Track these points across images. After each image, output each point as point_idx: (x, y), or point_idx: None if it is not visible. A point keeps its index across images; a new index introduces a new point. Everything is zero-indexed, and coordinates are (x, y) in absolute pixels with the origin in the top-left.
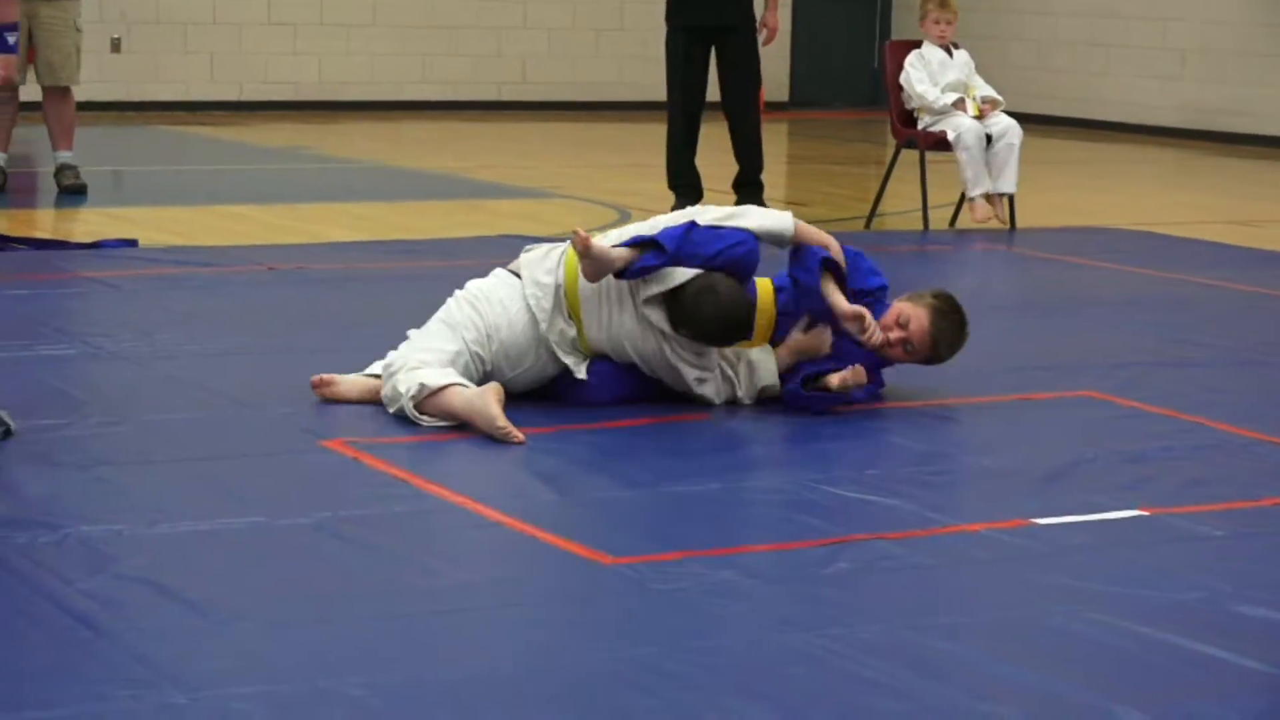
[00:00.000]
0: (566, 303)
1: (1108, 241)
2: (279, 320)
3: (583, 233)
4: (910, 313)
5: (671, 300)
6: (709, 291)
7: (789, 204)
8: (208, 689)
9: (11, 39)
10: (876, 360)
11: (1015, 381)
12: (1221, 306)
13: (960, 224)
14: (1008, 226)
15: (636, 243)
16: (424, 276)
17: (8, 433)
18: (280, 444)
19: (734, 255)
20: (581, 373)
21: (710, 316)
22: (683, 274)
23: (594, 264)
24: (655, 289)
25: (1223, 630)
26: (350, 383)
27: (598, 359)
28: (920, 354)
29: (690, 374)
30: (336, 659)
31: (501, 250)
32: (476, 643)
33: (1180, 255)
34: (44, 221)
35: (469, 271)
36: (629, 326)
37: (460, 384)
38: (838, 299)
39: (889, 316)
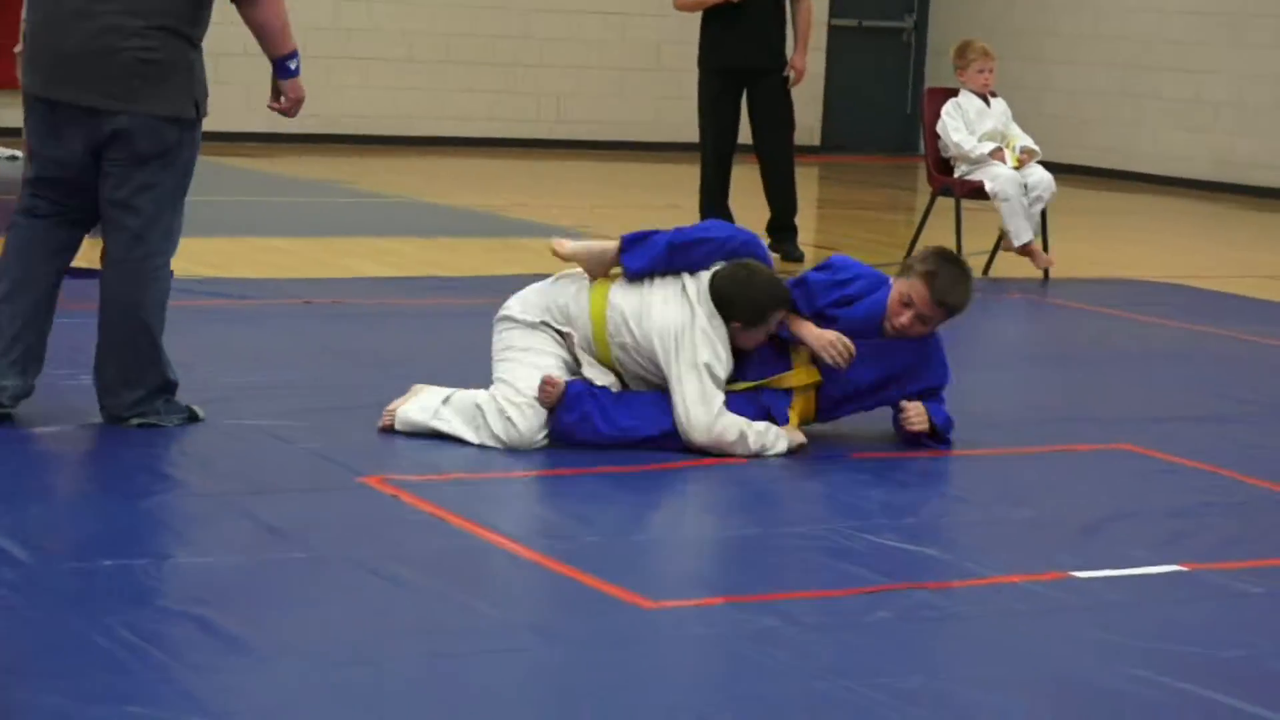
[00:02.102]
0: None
1: (1142, 293)
2: (315, 355)
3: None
4: (907, 289)
5: (714, 295)
6: (741, 268)
7: (820, 248)
8: None
9: (294, 64)
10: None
11: (1052, 432)
12: (1257, 361)
13: (994, 272)
14: (1042, 273)
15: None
16: (458, 314)
17: (194, 417)
18: (318, 480)
19: (731, 248)
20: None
21: (759, 285)
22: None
23: (583, 263)
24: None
25: (1264, 688)
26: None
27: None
28: (936, 318)
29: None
30: (377, 699)
31: None
32: (516, 686)
33: (1215, 309)
34: (86, 251)
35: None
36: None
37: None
38: (807, 332)
39: (893, 301)
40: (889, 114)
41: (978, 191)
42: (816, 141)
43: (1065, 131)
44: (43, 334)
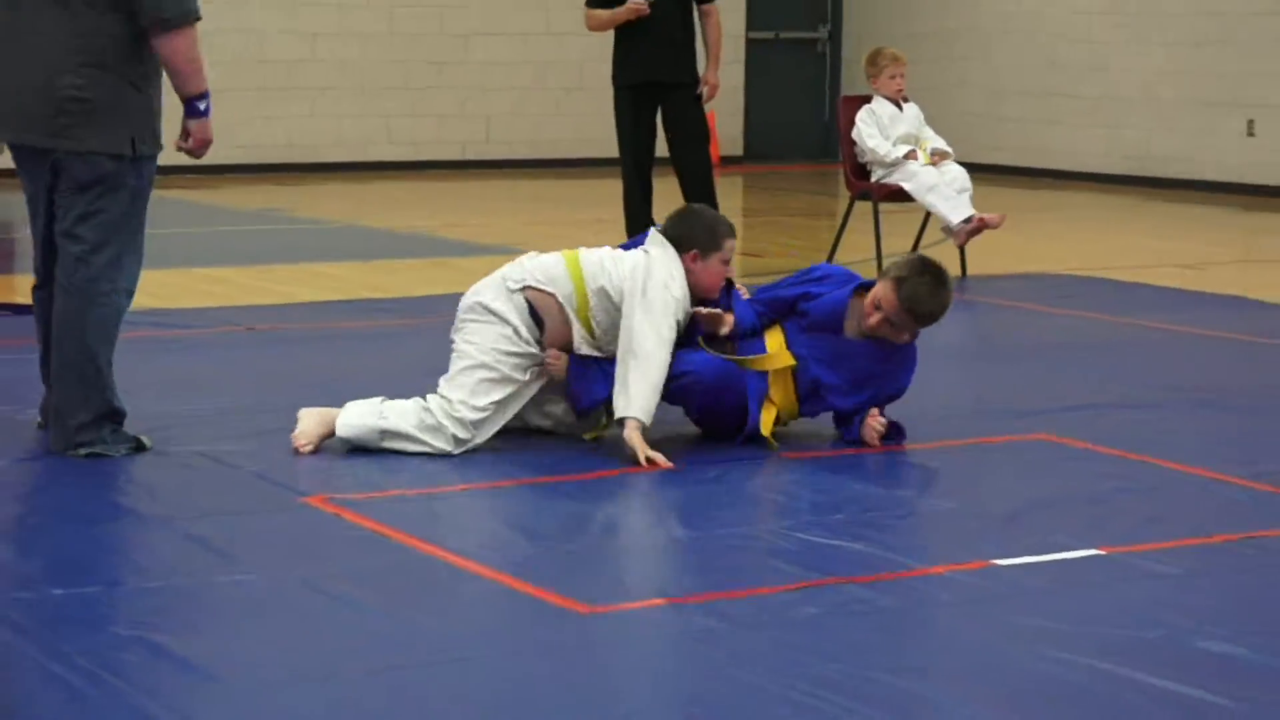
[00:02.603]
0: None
1: (1058, 287)
2: (257, 380)
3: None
4: (879, 293)
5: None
6: (684, 209)
7: (747, 255)
8: None
9: (203, 105)
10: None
11: (971, 426)
12: (1169, 349)
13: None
14: (961, 270)
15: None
16: (394, 334)
17: (140, 446)
18: (262, 501)
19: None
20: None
21: (706, 215)
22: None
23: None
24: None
25: (1184, 666)
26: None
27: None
28: (906, 324)
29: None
30: (326, 713)
31: None
32: (459, 696)
33: (1128, 299)
34: (23, 286)
35: (437, 328)
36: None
37: None
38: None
39: (867, 303)
40: (808, 123)
41: (896, 195)
42: (739, 152)
43: (980, 132)
44: None
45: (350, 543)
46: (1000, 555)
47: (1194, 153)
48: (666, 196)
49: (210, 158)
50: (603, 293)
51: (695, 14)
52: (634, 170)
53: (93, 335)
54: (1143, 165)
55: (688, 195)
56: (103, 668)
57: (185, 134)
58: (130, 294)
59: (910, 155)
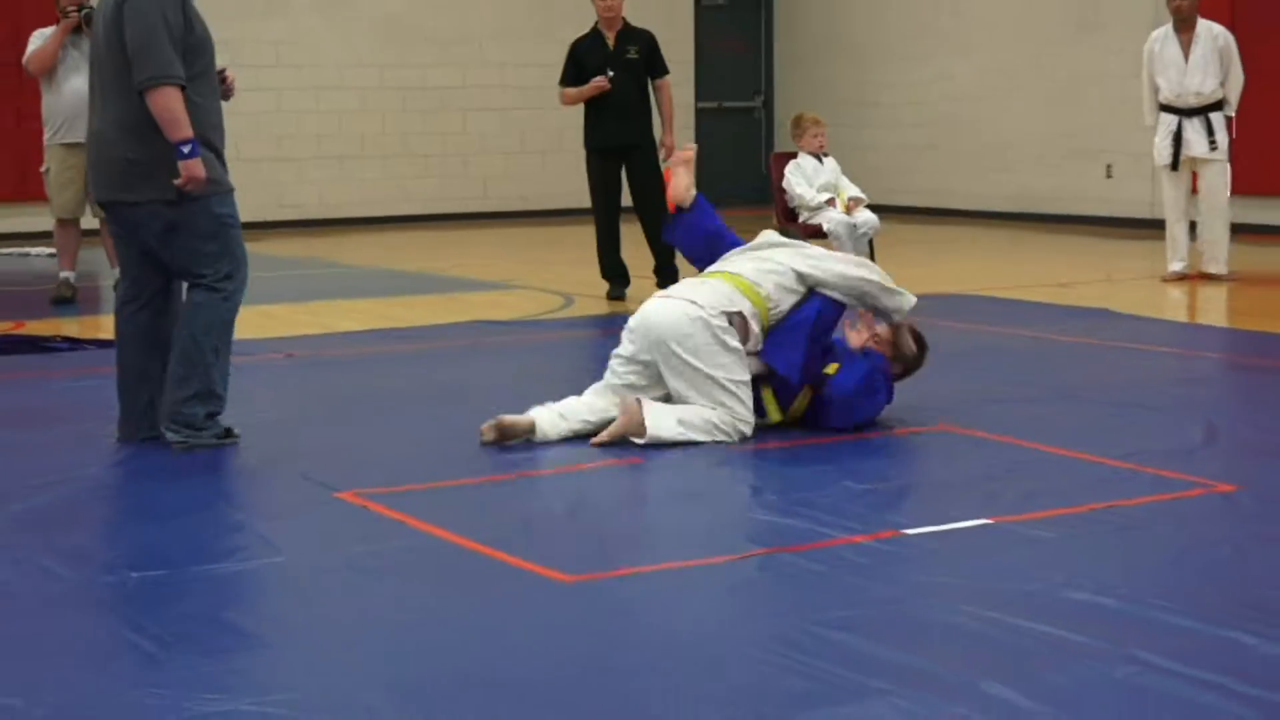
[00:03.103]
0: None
1: (955, 305)
2: (298, 397)
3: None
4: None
5: None
6: None
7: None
8: (272, 694)
9: (186, 149)
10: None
11: (883, 419)
12: (1044, 353)
13: None
14: None
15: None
16: (415, 357)
17: (229, 434)
18: (303, 496)
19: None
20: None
21: None
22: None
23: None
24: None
25: (1056, 613)
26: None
27: None
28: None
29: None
30: (362, 664)
31: (475, 331)
32: (461, 652)
33: (1011, 313)
34: (106, 325)
35: (452, 350)
36: None
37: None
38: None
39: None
40: (747, 174)
41: (816, 232)
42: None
43: (890, 179)
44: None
45: (375, 529)
46: (907, 526)
47: (1063, 193)
48: (630, 238)
49: (259, 215)
50: (780, 284)
51: (650, 88)
52: (604, 219)
53: (198, 330)
54: (1021, 204)
55: (649, 237)
56: (172, 636)
57: (177, 173)
58: (233, 299)
59: (830, 202)
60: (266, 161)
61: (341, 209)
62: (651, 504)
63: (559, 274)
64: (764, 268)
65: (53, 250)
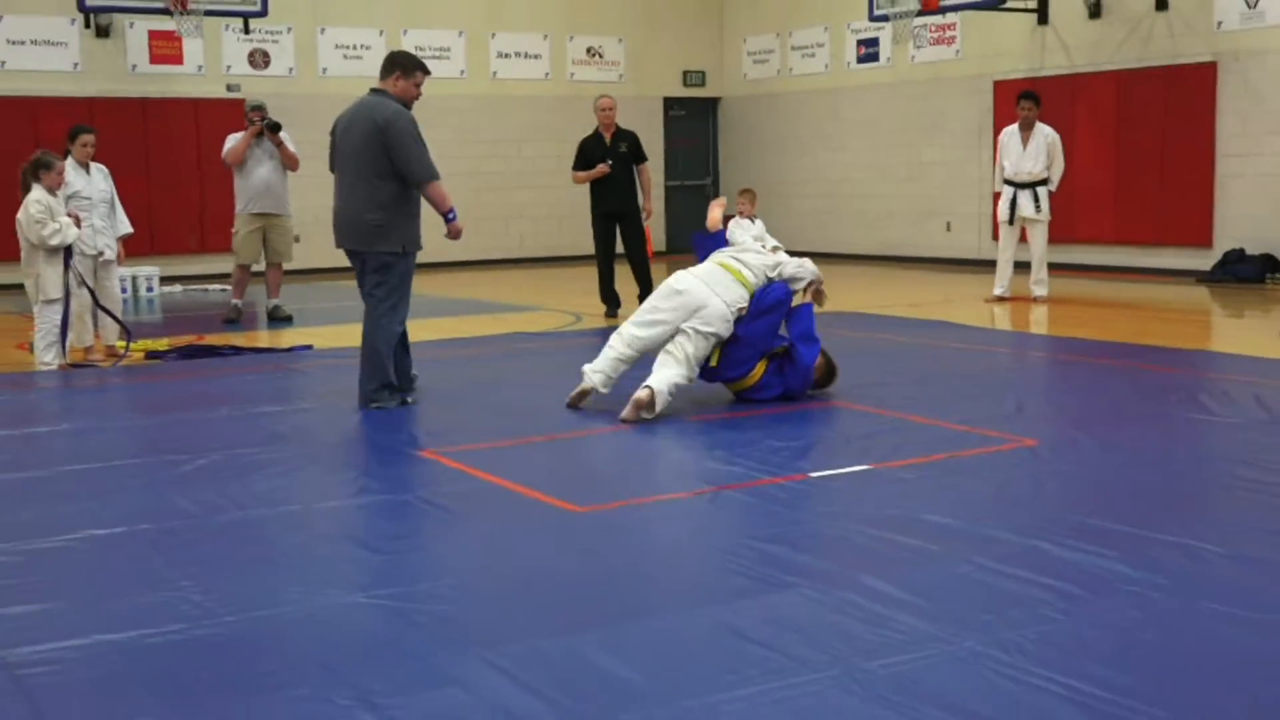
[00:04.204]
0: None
1: (847, 320)
2: None
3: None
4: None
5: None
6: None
7: None
8: (375, 589)
9: (451, 216)
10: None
11: (798, 398)
12: (904, 351)
13: None
14: None
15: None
16: (472, 357)
17: (404, 402)
18: (395, 454)
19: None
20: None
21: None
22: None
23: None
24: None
25: (915, 530)
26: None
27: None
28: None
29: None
30: (428, 571)
31: (514, 340)
32: (505, 555)
33: (881, 324)
34: (261, 338)
35: (501, 353)
36: None
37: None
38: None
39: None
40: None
41: None
42: (664, 247)
43: (800, 233)
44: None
45: (445, 477)
46: (813, 470)
47: (917, 241)
48: (621, 275)
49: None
50: (759, 277)
51: (636, 171)
52: (603, 261)
53: (380, 342)
54: (888, 249)
55: (636, 274)
56: (311, 550)
57: (447, 233)
58: (402, 323)
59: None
60: None
61: (421, 257)
62: (637, 457)
63: (571, 300)
64: (755, 263)
65: (225, 286)
